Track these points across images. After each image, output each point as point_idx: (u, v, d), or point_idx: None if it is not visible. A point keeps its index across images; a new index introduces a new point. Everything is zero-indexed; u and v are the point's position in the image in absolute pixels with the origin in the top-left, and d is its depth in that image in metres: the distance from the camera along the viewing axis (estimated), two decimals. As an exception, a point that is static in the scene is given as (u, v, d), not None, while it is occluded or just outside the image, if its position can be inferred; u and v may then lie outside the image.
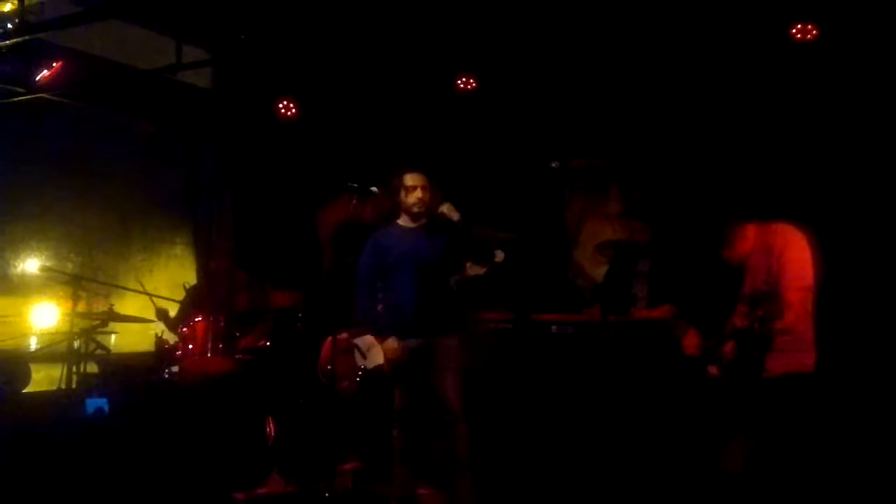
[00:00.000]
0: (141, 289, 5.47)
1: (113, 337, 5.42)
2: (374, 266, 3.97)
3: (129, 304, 5.70)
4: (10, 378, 4.80)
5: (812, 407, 3.23)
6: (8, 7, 4.60)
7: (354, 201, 4.23)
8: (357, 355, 4.75)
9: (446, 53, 5.27)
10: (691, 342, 3.55)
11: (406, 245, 3.91)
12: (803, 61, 4.39)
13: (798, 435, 3.21)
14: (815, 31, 4.30)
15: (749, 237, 3.36)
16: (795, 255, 3.22)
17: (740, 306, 3.37)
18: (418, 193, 3.86)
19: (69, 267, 5.75)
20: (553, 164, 5.44)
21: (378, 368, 4.66)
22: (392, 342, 3.90)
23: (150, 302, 5.37)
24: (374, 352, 4.70)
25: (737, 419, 3.30)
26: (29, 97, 5.20)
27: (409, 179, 3.88)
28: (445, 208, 3.88)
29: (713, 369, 3.42)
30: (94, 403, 4.58)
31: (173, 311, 5.44)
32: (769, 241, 3.30)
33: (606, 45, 4.92)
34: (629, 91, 5.04)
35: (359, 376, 4.69)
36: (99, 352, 5.15)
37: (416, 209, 3.87)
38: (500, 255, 4.27)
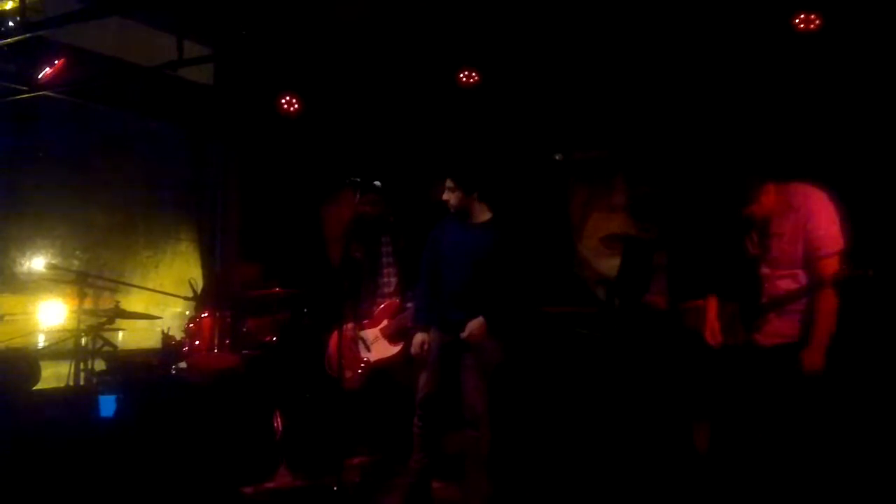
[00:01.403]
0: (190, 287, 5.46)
1: (120, 334, 5.44)
2: (428, 258, 4.06)
3: (135, 301, 5.73)
4: (20, 375, 4.82)
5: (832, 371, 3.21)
6: (9, 5, 4.59)
7: (358, 195, 4.24)
8: (361, 347, 4.77)
9: (448, 47, 5.26)
10: (710, 327, 3.53)
11: (454, 240, 3.96)
12: (806, 51, 4.38)
13: (813, 403, 3.20)
14: (817, 21, 4.29)
15: (771, 193, 3.31)
16: (826, 218, 3.20)
17: (771, 271, 3.34)
18: (444, 195, 3.94)
19: (75, 264, 5.76)
20: (556, 157, 5.46)
21: (381, 362, 4.68)
22: (418, 337, 3.99)
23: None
24: (378, 345, 4.72)
25: (761, 401, 3.28)
26: (31, 95, 5.20)
27: None
28: None
29: (760, 337, 3.35)
30: (108, 401, 4.60)
31: (181, 308, 5.47)
32: (791, 202, 3.27)
33: (609, 36, 4.91)
34: (632, 82, 5.03)
35: (361, 368, 4.72)
36: (106, 349, 5.17)
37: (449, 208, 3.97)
38: None
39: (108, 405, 4.58)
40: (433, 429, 3.94)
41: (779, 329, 3.32)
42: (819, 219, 3.21)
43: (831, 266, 3.14)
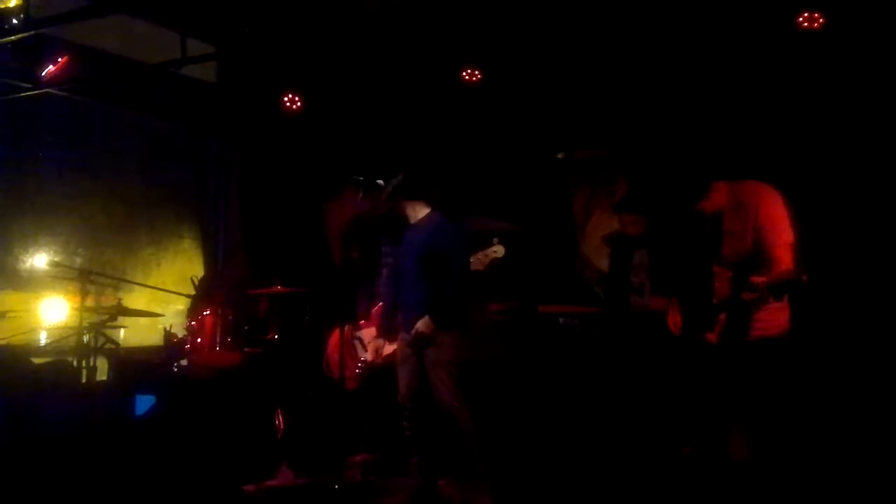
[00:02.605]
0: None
1: (122, 331, 5.45)
2: (396, 262, 4.21)
3: (137, 299, 5.73)
4: (72, 374, 4.80)
5: (789, 370, 3.26)
6: (13, 2, 4.59)
7: (360, 195, 4.25)
8: (359, 347, 4.78)
9: (451, 45, 5.26)
10: (673, 320, 3.58)
11: (405, 243, 4.08)
12: (810, 50, 4.37)
13: (777, 398, 3.23)
14: (821, 20, 4.29)
15: (721, 191, 3.35)
16: (773, 212, 3.22)
17: (721, 270, 3.35)
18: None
19: (77, 262, 5.75)
20: (559, 156, 5.45)
21: (379, 361, 4.69)
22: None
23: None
24: (375, 345, 4.73)
25: (735, 400, 3.30)
26: (35, 92, 5.20)
27: None
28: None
29: (712, 336, 3.39)
30: (144, 401, 4.60)
31: (183, 306, 5.47)
32: (742, 199, 3.31)
33: (611, 36, 4.90)
34: (634, 82, 5.02)
35: (359, 368, 4.72)
36: (108, 346, 5.17)
37: None
38: (500, 251, 4.30)
39: (144, 404, 4.58)
40: (421, 428, 3.97)
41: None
42: (765, 211, 3.23)
43: (780, 257, 3.12)
